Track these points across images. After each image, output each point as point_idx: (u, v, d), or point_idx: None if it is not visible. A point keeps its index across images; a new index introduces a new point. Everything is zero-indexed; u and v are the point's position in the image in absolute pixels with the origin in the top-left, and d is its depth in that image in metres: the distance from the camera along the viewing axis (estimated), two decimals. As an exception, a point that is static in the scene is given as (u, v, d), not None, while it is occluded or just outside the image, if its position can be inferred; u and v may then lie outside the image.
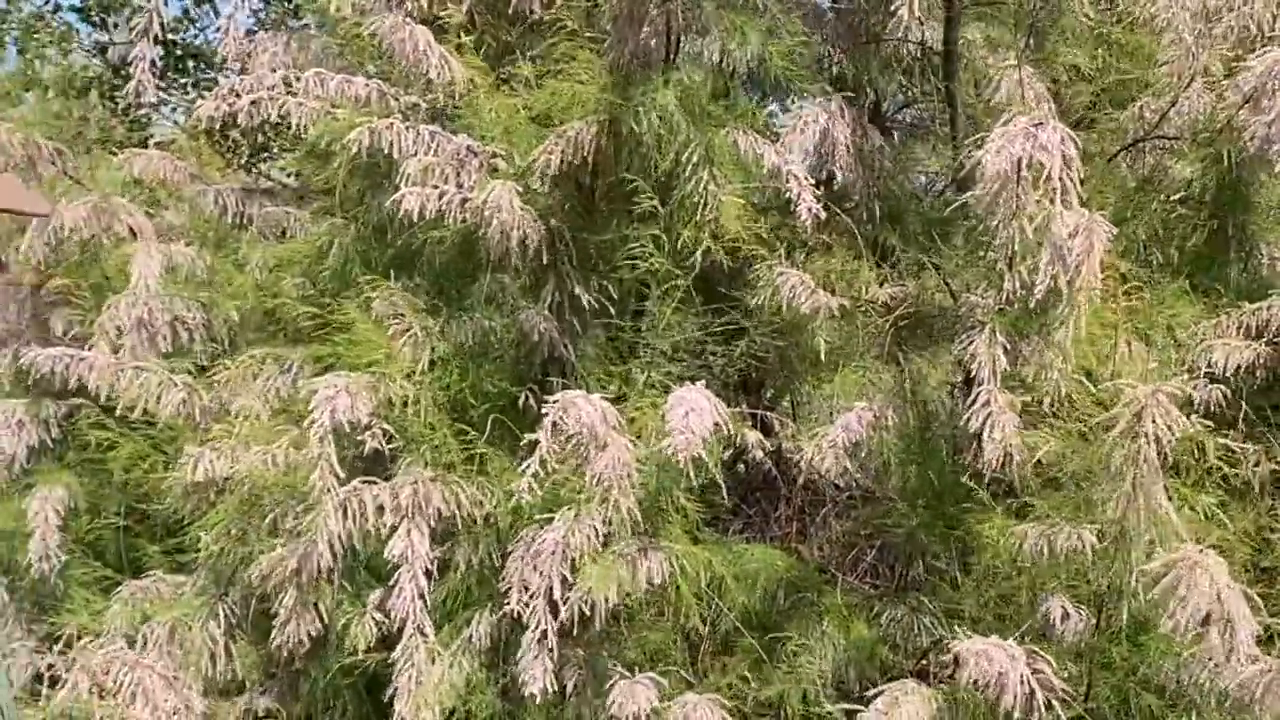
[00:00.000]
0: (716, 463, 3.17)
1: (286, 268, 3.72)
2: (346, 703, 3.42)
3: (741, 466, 4.32)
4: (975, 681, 2.64)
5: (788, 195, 3.28)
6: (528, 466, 2.88)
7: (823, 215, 3.28)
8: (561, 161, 3.12)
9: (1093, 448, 2.82)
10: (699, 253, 3.32)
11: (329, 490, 3.03)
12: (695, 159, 3.23)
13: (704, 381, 3.02)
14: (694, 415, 2.82)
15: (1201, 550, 2.65)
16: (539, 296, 3.36)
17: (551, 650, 2.95)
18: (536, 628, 2.91)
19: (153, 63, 3.76)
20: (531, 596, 2.91)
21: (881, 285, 3.55)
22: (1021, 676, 2.59)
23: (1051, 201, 2.68)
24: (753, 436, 3.45)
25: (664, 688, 3.05)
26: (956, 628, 3.44)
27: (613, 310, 3.50)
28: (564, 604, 2.94)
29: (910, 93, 4.04)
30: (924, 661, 3.74)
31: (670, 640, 3.42)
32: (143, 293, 3.87)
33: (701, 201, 3.25)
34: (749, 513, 4.15)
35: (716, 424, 2.92)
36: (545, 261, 3.31)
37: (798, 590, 3.53)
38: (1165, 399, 2.61)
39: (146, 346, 3.81)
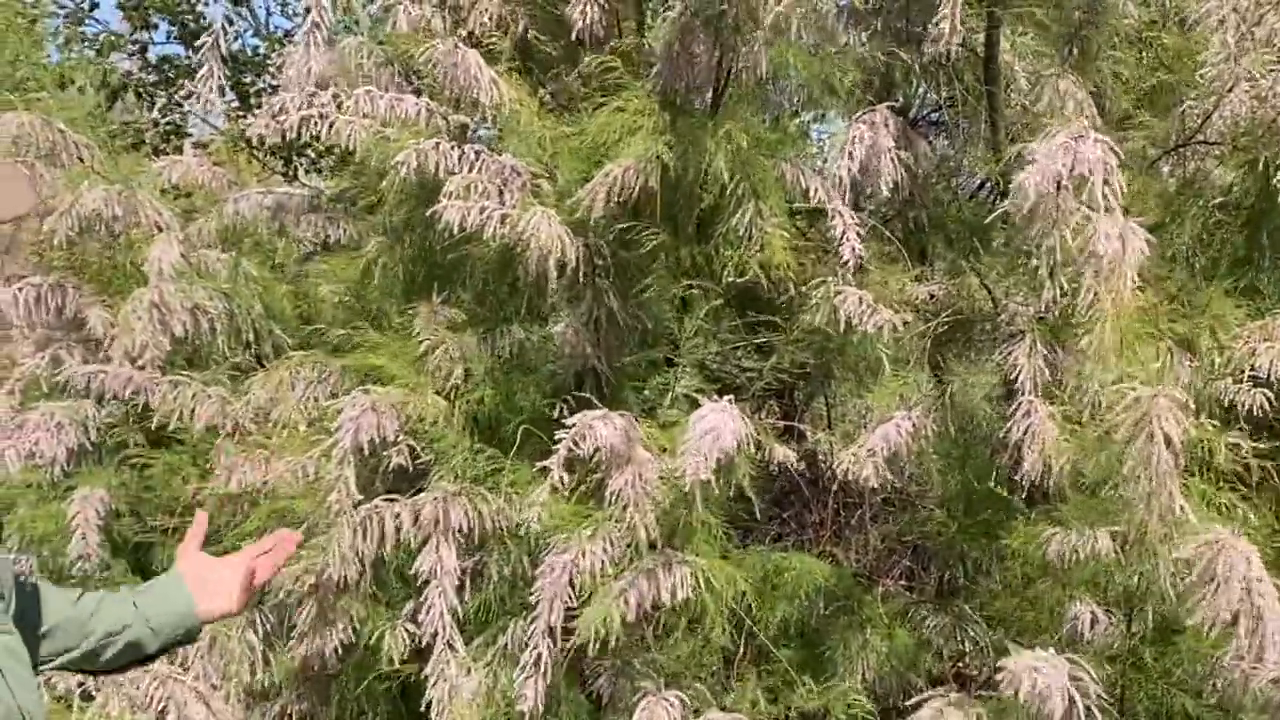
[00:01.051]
0: (744, 475, 3.16)
1: (329, 279, 3.72)
2: (380, 711, 3.42)
3: (775, 473, 4.31)
4: (1018, 693, 2.62)
5: (832, 231, 3.29)
6: (539, 495, 2.91)
7: (864, 254, 3.29)
8: (607, 200, 3.10)
9: (1110, 451, 2.79)
10: (743, 275, 3.33)
11: (344, 511, 3.05)
12: (741, 192, 3.24)
13: (730, 397, 2.99)
14: (708, 437, 2.81)
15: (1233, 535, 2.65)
16: (576, 312, 3.35)
17: (546, 674, 2.94)
18: (533, 650, 2.93)
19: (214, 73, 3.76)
20: (533, 619, 2.93)
21: (928, 294, 3.52)
22: (1064, 690, 2.56)
23: (1092, 211, 2.65)
24: (780, 452, 3.42)
25: (691, 703, 3.04)
26: (994, 634, 3.47)
27: (649, 326, 3.50)
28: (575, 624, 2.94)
29: (943, 97, 4.01)
30: (959, 665, 3.73)
31: (705, 650, 3.41)
32: (156, 278, 3.87)
33: (747, 235, 3.26)
34: (784, 518, 4.14)
35: (739, 443, 2.90)
36: (582, 279, 3.30)
37: (836, 598, 3.52)
38: (1169, 402, 2.59)
39: (160, 330, 3.80)
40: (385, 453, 3.17)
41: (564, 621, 3.03)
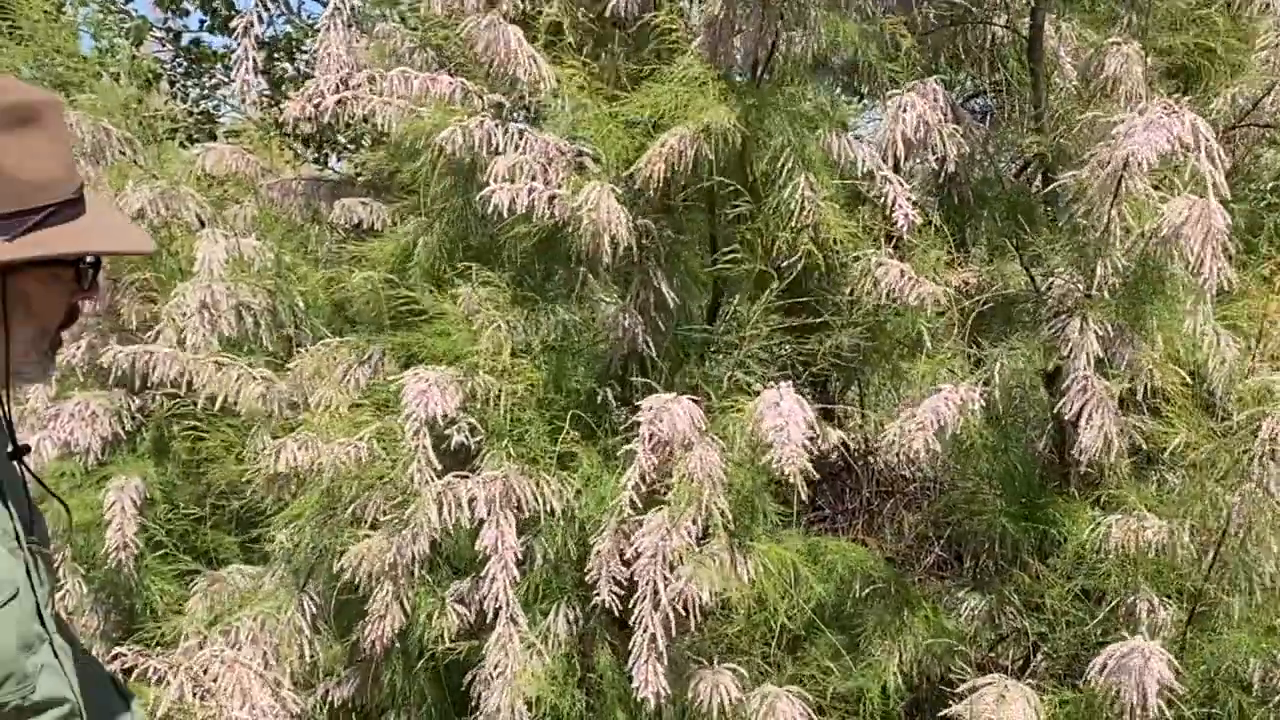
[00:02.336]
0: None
1: (368, 264, 3.71)
2: (425, 692, 3.41)
3: (812, 458, 4.30)
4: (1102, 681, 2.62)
5: (883, 198, 3.27)
6: (628, 480, 2.89)
7: (919, 221, 3.27)
8: (666, 171, 3.08)
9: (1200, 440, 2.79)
10: (795, 253, 3.31)
11: (428, 482, 3.03)
12: (791, 164, 3.21)
13: (790, 382, 2.99)
14: (792, 426, 2.80)
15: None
16: (625, 293, 3.34)
17: (661, 655, 2.91)
18: (645, 631, 2.89)
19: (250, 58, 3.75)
20: (635, 600, 2.90)
21: (969, 274, 3.51)
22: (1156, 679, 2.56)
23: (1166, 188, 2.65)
24: (835, 435, 3.41)
25: (745, 679, 3.03)
26: (1034, 620, 3.46)
27: (693, 307, 3.49)
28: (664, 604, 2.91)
29: (984, 77, 4.00)
30: (994, 651, 3.72)
31: (746, 633, 3.40)
32: (206, 277, 3.87)
33: (799, 206, 3.22)
34: (819, 504, 4.13)
35: (810, 426, 2.89)
36: (634, 259, 3.28)
37: (872, 583, 3.51)
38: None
39: (210, 330, 3.80)
40: (447, 430, 3.15)
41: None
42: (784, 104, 3.26)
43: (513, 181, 3.15)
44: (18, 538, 1.63)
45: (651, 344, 3.33)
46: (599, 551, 2.98)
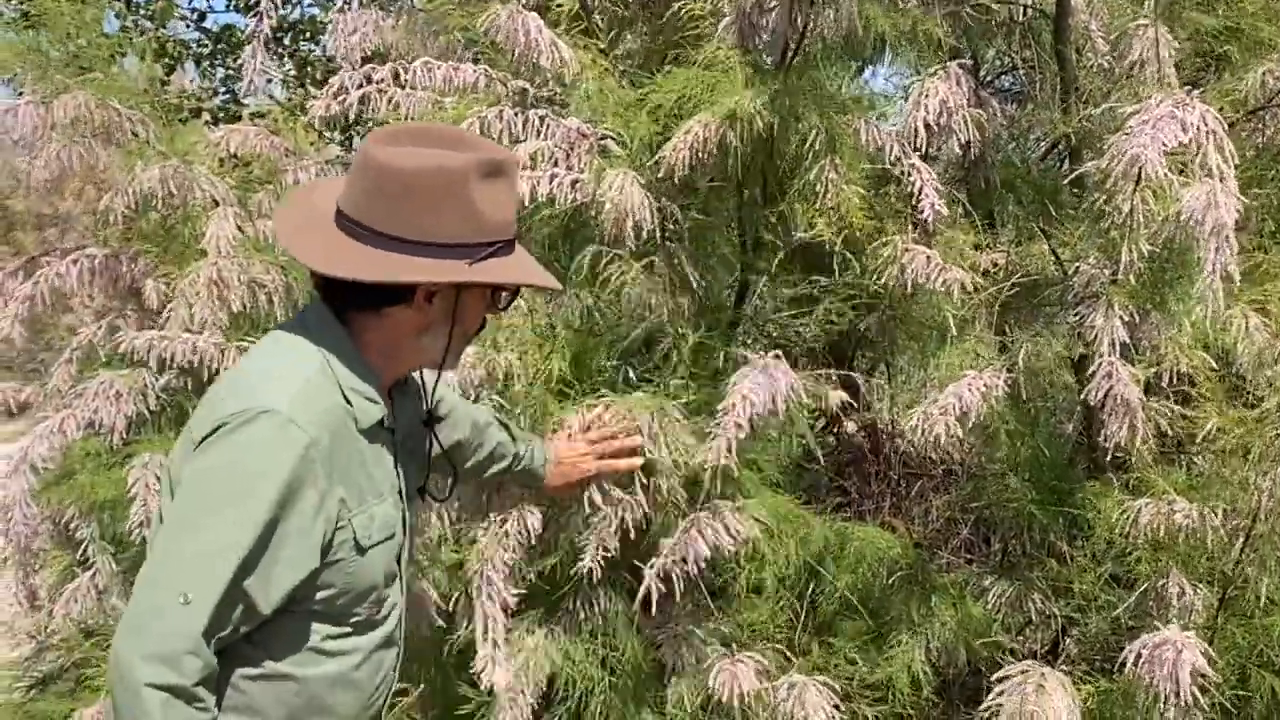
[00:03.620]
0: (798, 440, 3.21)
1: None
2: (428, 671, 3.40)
3: (835, 442, 4.28)
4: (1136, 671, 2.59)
5: (909, 188, 3.24)
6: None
7: (945, 211, 3.24)
8: (691, 157, 3.06)
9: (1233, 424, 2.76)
10: (813, 232, 3.28)
11: None
12: (817, 148, 3.18)
13: (778, 353, 2.96)
14: (746, 402, 2.79)
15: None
16: (649, 274, 3.31)
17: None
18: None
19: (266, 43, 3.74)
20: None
21: (995, 258, 3.48)
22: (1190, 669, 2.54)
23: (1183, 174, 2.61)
24: (835, 397, 3.37)
25: (767, 667, 3.01)
26: (1061, 605, 3.43)
27: (719, 289, 3.47)
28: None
29: (1014, 58, 3.95)
30: (1021, 636, 3.69)
31: (768, 618, 3.38)
32: (214, 254, 3.86)
33: (823, 190, 3.21)
34: (844, 488, 4.10)
35: (787, 398, 2.87)
36: (656, 241, 3.27)
37: (899, 568, 3.48)
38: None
39: (219, 306, 3.80)
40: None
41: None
42: (811, 89, 3.23)
43: (534, 168, 3.13)
44: (402, 494, 2.16)
45: (674, 326, 3.31)
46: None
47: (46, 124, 3.90)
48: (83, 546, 3.87)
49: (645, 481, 2.94)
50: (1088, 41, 3.67)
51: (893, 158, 3.26)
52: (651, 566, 2.91)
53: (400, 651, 2.25)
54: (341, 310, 2.07)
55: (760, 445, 3.18)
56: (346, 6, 3.75)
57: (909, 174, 3.24)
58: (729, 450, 2.78)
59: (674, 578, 2.91)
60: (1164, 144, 2.60)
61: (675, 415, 2.99)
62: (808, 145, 3.17)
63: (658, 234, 3.20)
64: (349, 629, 2.06)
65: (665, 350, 3.31)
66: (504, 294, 2.17)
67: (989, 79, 4.16)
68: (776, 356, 2.91)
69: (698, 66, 3.23)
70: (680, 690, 3.13)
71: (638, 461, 2.86)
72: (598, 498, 2.90)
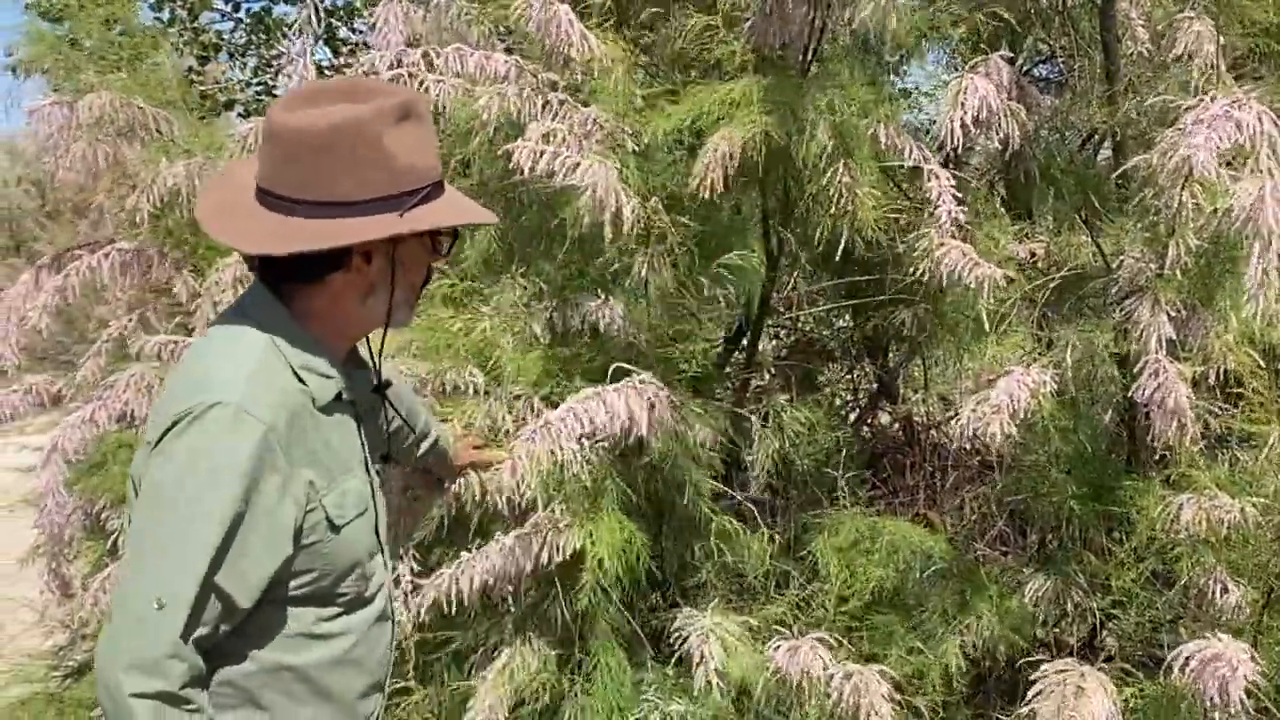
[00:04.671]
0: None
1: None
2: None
3: (868, 436, 4.26)
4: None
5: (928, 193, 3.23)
6: None
7: (962, 219, 3.21)
8: (725, 173, 3.05)
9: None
10: (834, 235, 3.26)
11: None
12: (833, 152, 3.17)
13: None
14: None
15: None
16: (622, 284, 3.31)
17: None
18: None
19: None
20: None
21: (1034, 251, 3.44)
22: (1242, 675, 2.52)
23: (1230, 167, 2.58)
24: (706, 434, 3.38)
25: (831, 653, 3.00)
26: (1098, 600, 3.40)
27: (731, 292, 3.47)
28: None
29: (1056, 47, 3.90)
30: (1056, 630, 3.67)
31: (794, 611, 3.37)
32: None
33: (836, 194, 3.18)
34: (877, 482, 4.08)
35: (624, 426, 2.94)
36: (636, 242, 3.25)
37: (933, 562, 3.46)
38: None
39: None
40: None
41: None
42: (829, 93, 3.21)
43: (545, 145, 3.11)
44: (367, 466, 2.10)
45: (639, 335, 3.33)
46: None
47: (72, 123, 3.90)
48: (113, 537, 3.87)
49: None
50: (1127, 30, 3.63)
51: (911, 162, 3.23)
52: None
53: (395, 626, 2.22)
54: (280, 287, 2.01)
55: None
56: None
57: (929, 179, 3.23)
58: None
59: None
60: (1219, 144, 2.55)
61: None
62: (820, 152, 3.14)
63: (643, 230, 3.18)
64: (339, 609, 2.03)
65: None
66: (443, 238, 2.08)
67: (1026, 69, 4.12)
68: (642, 382, 2.96)
69: (727, 66, 3.21)
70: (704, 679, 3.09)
71: (503, 455, 2.94)
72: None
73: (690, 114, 3.22)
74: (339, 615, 2.03)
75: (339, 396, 2.02)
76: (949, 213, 3.19)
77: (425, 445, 2.66)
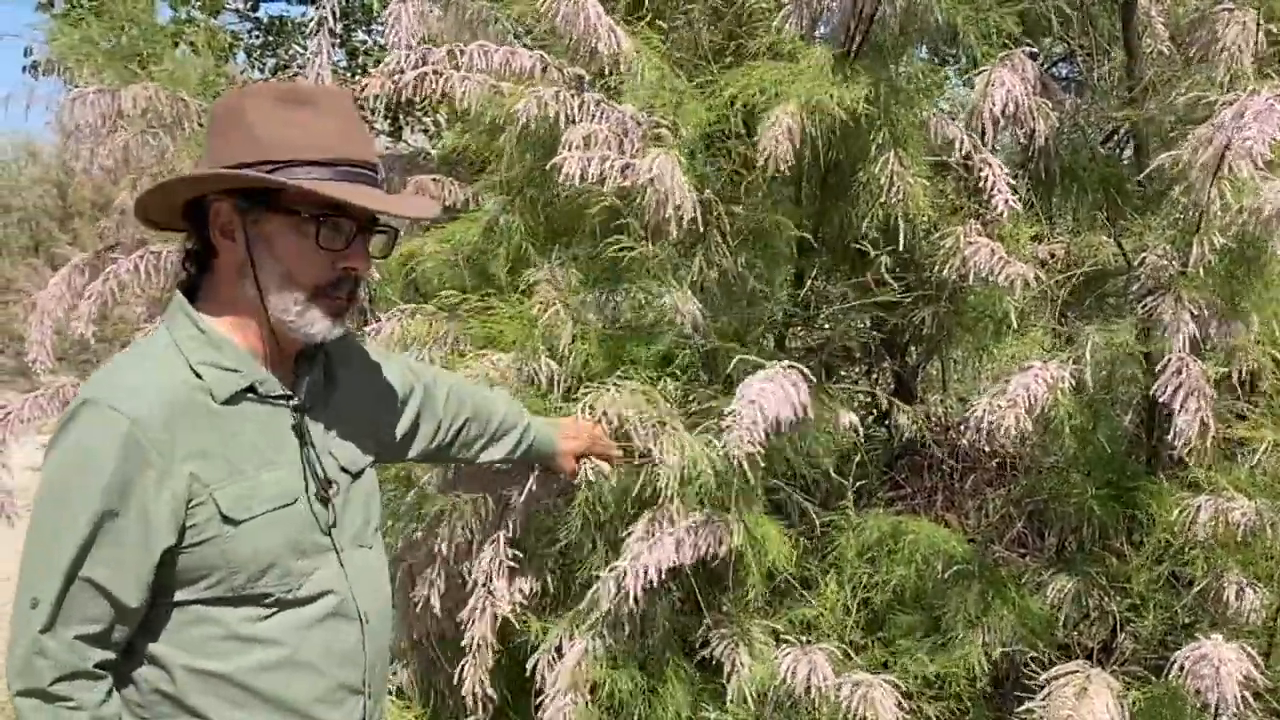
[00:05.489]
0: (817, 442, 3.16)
1: (446, 241, 3.67)
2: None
3: (888, 436, 4.24)
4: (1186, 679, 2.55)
5: (981, 182, 3.21)
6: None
7: (1019, 207, 3.19)
8: (793, 148, 3.01)
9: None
10: (883, 229, 3.25)
11: None
12: (881, 141, 3.15)
13: (787, 363, 2.86)
14: (759, 406, 2.70)
15: None
16: (685, 273, 3.29)
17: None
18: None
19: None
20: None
21: (1058, 249, 3.43)
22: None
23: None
24: (846, 418, 3.32)
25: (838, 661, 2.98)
26: (1117, 602, 3.38)
27: (775, 282, 3.44)
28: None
29: (1068, 42, 3.89)
30: (1075, 632, 3.65)
31: (820, 615, 3.35)
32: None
33: (888, 183, 3.16)
34: (897, 481, 4.06)
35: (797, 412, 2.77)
36: (698, 235, 3.23)
37: (955, 563, 3.44)
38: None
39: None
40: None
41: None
42: (880, 79, 3.18)
43: (587, 150, 3.10)
44: (313, 461, 2.04)
45: (710, 322, 3.28)
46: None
47: (113, 113, 3.91)
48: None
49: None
50: (1147, 28, 3.61)
51: (963, 153, 3.20)
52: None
53: (369, 625, 2.11)
54: (187, 282, 2.04)
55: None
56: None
57: (979, 169, 3.19)
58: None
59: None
60: (1270, 136, 2.52)
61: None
62: (872, 138, 3.12)
63: (699, 224, 3.15)
64: (266, 611, 1.98)
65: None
66: (332, 233, 1.96)
67: (1047, 66, 4.10)
68: (790, 367, 2.81)
69: (766, 56, 3.18)
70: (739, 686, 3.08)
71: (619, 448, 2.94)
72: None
73: (741, 93, 3.20)
74: (270, 616, 1.98)
75: (253, 389, 1.99)
76: (1005, 200, 3.17)
77: (506, 445, 2.70)
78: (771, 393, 2.70)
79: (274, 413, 2.02)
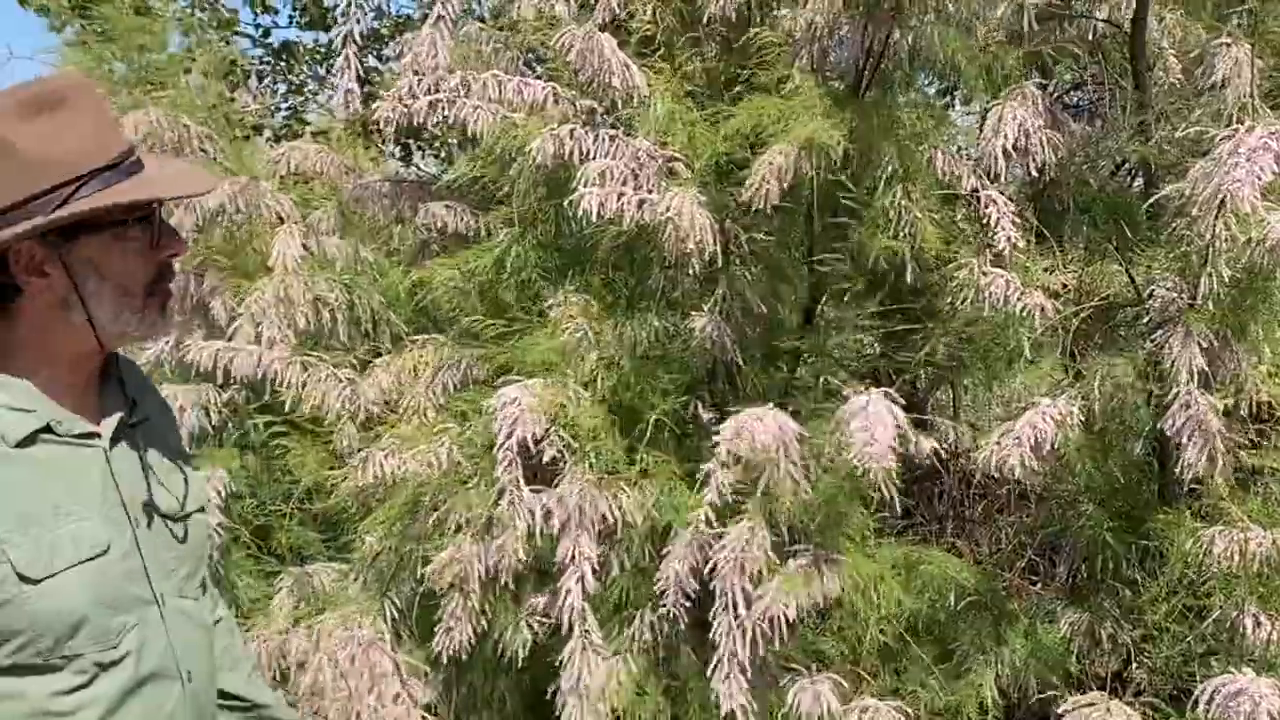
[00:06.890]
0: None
1: (461, 274, 3.69)
2: (506, 698, 3.40)
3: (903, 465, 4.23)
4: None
5: (986, 218, 3.22)
6: (706, 497, 2.88)
7: (1021, 244, 3.21)
8: (779, 189, 3.04)
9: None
10: (892, 262, 3.25)
11: (512, 504, 3.05)
12: (889, 175, 3.17)
13: (884, 390, 2.91)
14: (879, 429, 2.73)
15: None
16: (711, 298, 3.29)
17: (745, 669, 2.86)
18: (725, 646, 2.85)
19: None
20: (715, 611, 2.86)
21: (1067, 281, 3.42)
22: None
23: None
24: (927, 445, 3.32)
25: (845, 690, 2.97)
26: (1131, 632, 3.37)
27: (786, 313, 3.44)
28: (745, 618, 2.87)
29: (1085, 76, 3.89)
30: (1089, 663, 3.63)
31: (836, 646, 3.34)
32: (281, 272, 3.87)
33: (896, 216, 3.17)
34: (911, 510, 4.06)
35: (899, 431, 2.81)
36: (719, 266, 3.24)
37: (968, 593, 3.43)
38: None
39: (285, 324, 3.80)
40: (535, 450, 3.13)
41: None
42: (887, 114, 3.20)
43: (602, 186, 3.11)
44: (124, 505, 1.79)
45: (737, 352, 3.27)
46: (669, 567, 2.95)
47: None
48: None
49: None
50: (1159, 60, 3.61)
51: (969, 188, 3.21)
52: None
53: (190, 685, 1.87)
54: None
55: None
56: (435, 29, 3.72)
57: (986, 206, 3.21)
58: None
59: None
60: (1259, 177, 2.52)
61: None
62: (880, 172, 3.13)
63: (719, 257, 3.16)
64: (82, 677, 1.72)
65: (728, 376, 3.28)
66: (148, 221, 1.78)
67: (1056, 96, 4.10)
68: (884, 391, 2.85)
69: (772, 93, 3.20)
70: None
71: None
72: None
73: (749, 123, 3.21)
74: (82, 687, 1.73)
75: (49, 429, 1.76)
76: (1008, 238, 3.17)
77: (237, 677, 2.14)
78: (875, 415, 2.74)
79: (75, 453, 1.80)
